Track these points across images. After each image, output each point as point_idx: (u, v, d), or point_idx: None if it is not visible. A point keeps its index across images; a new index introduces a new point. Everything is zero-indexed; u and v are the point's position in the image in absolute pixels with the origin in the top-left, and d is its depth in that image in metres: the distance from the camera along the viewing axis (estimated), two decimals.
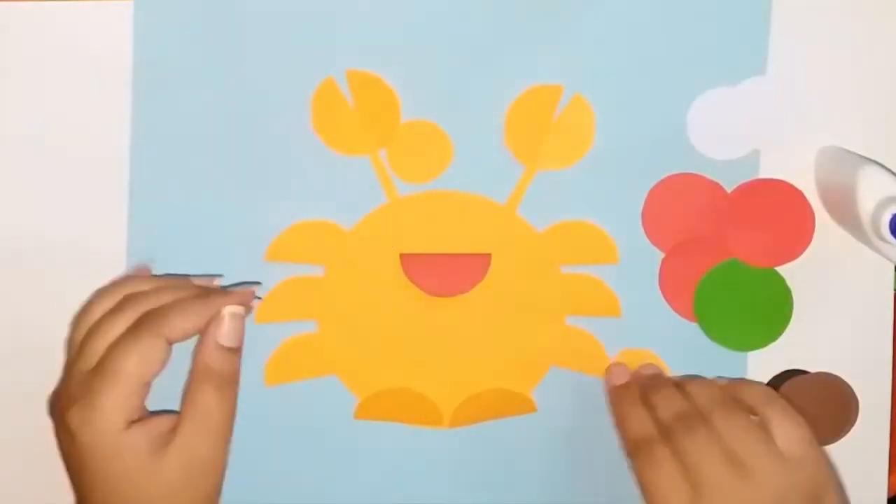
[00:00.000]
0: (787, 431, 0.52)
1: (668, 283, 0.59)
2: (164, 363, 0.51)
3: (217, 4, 0.56)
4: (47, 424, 0.53)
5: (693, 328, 0.59)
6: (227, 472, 0.57)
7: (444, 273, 0.58)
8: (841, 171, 0.56)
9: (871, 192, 0.54)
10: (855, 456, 0.60)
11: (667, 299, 0.59)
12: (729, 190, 0.59)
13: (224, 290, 0.55)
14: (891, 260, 0.56)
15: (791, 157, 0.59)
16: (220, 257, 0.58)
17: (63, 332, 0.56)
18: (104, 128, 0.57)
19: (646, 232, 0.59)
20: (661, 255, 0.59)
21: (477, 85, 0.58)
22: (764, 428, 0.53)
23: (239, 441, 0.57)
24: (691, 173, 0.59)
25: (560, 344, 0.59)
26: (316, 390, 0.59)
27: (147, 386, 0.51)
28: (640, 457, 0.53)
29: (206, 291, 0.54)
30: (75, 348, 0.53)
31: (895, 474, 0.61)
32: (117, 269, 0.57)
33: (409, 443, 0.59)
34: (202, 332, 0.53)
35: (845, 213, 0.56)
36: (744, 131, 0.59)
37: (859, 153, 0.57)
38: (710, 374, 0.59)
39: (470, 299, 0.59)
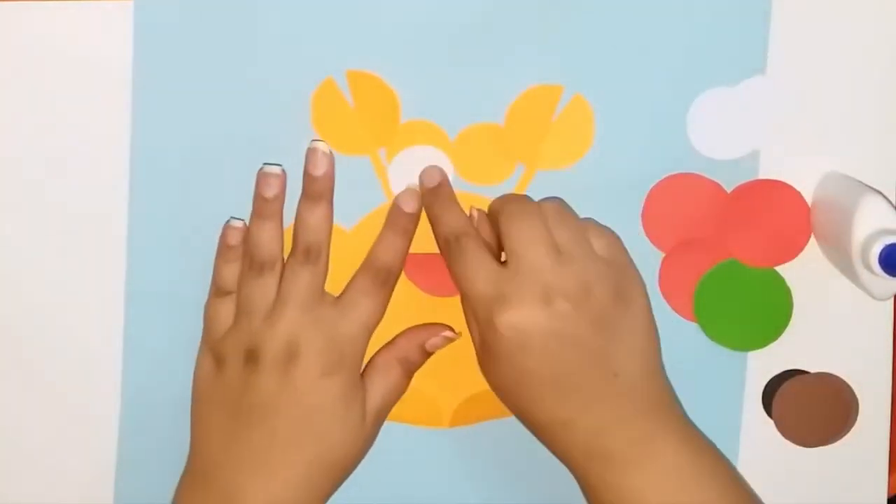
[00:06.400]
0: (599, 237, 0.55)
1: (668, 283, 0.59)
2: None
3: (217, 5, 0.56)
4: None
5: (693, 328, 0.59)
6: None
7: (445, 273, 0.58)
8: (841, 197, 0.56)
9: (867, 221, 0.54)
10: (855, 456, 0.60)
11: (667, 299, 0.59)
12: (729, 190, 0.59)
13: None
14: (874, 296, 0.55)
15: (791, 158, 0.59)
16: None
17: (62, 322, 0.57)
18: (104, 128, 0.57)
19: (646, 232, 0.59)
20: (661, 255, 0.59)
21: (477, 85, 0.58)
22: (584, 229, 0.55)
23: None
24: (691, 173, 0.59)
25: None
26: None
27: None
28: (451, 249, 0.55)
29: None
30: None
31: (895, 474, 0.61)
32: (117, 269, 0.57)
33: (409, 443, 0.59)
34: None
35: (837, 242, 0.56)
36: (744, 131, 0.59)
37: (863, 169, 0.57)
38: (710, 373, 0.59)
39: None
